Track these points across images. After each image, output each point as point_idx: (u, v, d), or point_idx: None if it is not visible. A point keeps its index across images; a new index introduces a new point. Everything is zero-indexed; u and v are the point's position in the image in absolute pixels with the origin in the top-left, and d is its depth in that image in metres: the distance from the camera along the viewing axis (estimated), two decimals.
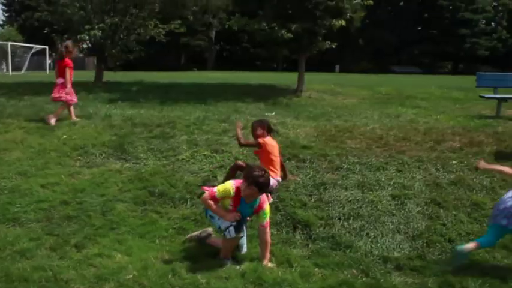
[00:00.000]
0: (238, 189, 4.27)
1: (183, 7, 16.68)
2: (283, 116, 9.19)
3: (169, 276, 4.10)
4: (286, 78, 18.74)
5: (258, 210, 4.37)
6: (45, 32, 36.37)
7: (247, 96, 11.72)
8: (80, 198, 5.73)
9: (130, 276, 4.09)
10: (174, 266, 4.27)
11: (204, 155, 6.67)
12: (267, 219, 4.41)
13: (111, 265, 4.28)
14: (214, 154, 6.68)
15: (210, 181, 5.96)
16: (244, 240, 4.58)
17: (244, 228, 4.52)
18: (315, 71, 25.82)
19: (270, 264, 4.36)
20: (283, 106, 10.82)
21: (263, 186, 4.24)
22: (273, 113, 9.60)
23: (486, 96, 10.22)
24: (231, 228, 4.24)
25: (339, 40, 15.10)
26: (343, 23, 13.03)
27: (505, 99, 9.83)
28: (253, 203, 4.32)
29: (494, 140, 7.31)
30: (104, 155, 6.95)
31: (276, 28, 12.33)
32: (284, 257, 4.54)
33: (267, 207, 4.41)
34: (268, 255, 4.41)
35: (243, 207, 4.32)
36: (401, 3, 58.65)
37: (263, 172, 4.28)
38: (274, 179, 5.36)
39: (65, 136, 7.66)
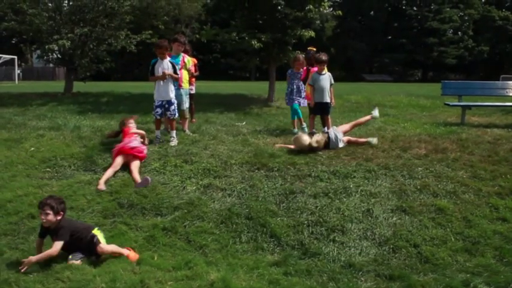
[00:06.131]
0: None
1: (154, 17, 16.70)
2: (254, 126, 9.26)
3: (138, 287, 4.10)
4: (258, 88, 18.89)
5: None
6: (13, 42, 35.75)
7: (218, 106, 11.78)
8: None
9: None
10: (142, 277, 4.26)
11: (174, 165, 6.67)
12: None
13: (79, 278, 4.23)
14: (184, 164, 6.69)
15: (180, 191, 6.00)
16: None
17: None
18: None
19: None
20: (253, 116, 10.90)
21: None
22: (244, 123, 9.66)
23: (451, 104, 10.49)
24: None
25: None
26: (312, 34, 13.24)
27: (469, 107, 10.10)
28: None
29: (458, 146, 7.51)
30: (72, 167, 6.87)
31: (247, 38, 12.45)
32: (253, 264, 4.59)
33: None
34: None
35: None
36: (371, 13, 59.82)
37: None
38: None
39: (32, 148, 7.54)
